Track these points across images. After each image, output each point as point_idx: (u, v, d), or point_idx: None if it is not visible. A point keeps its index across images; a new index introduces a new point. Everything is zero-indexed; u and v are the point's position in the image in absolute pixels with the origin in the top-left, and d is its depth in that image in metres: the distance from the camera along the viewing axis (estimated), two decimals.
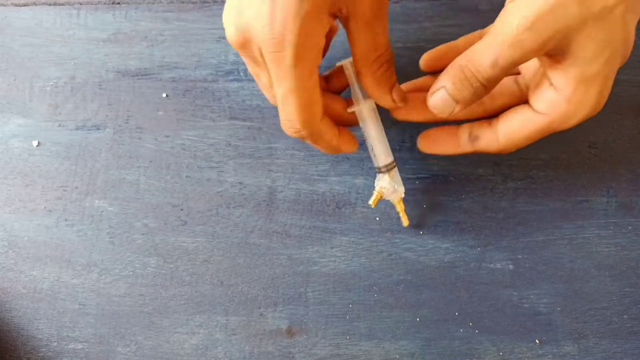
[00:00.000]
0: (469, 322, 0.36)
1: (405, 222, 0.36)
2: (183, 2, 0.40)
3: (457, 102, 0.29)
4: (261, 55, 0.28)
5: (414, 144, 0.35)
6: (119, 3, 0.40)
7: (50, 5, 0.40)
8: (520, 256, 0.36)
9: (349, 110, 0.33)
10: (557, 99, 0.29)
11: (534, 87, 0.31)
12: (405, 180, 0.36)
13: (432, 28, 0.39)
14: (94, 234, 0.37)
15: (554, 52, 0.27)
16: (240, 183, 0.38)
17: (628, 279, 0.36)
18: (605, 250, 0.36)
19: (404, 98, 0.32)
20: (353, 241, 0.37)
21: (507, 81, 0.34)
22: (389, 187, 0.34)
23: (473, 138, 0.32)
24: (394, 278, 0.36)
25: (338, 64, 0.33)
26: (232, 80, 0.39)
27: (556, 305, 0.36)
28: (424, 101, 0.31)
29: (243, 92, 0.39)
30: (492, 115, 0.33)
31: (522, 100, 0.32)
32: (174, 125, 0.39)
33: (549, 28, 0.26)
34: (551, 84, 0.29)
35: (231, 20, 0.28)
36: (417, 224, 0.37)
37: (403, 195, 0.35)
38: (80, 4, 0.40)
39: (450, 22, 0.39)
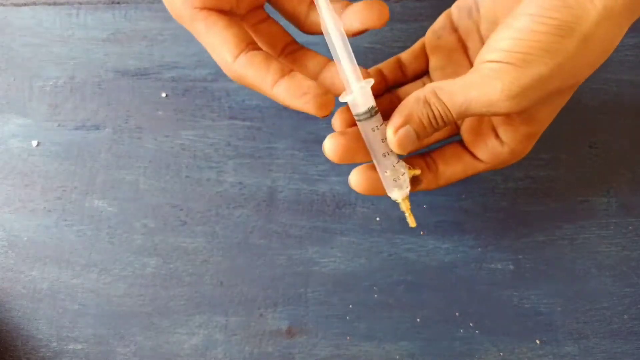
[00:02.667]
0: (469, 323, 0.36)
1: (412, 222, 0.32)
2: None
3: (418, 137, 0.28)
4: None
5: None
6: (118, 3, 0.40)
7: (50, 5, 0.40)
8: (520, 256, 0.36)
9: (342, 99, 0.29)
10: (500, 151, 0.30)
11: (473, 133, 0.31)
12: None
13: None
14: (94, 234, 0.37)
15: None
16: (240, 183, 0.38)
17: (628, 279, 0.36)
18: (605, 251, 0.36)
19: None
20: (353, 241, 0.37)
21: None
22: (403, 182, 0.31)
23: (415, 182, 0.32)
24: (394, 278, 0.36)
25: None
26: (231, 80, 0.39)
27: (557, 306, 0.36)
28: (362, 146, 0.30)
29: (243, 91, 0.39)
30: (424, 148, 0.33)
31: (453, 133, 0.33)
32: (174, 125, 0.39)
33: (528, 100, 0.26)
34: (497, 137, 0.30)
35: None
36: (417, 224, 0.37)
37: (408, 192, 0.32)
38: (80, 3, 0.40)
39: None
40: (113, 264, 0.37)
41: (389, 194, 0.31)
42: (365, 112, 0.29)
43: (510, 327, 0.35)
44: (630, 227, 0.37)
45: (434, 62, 0.33)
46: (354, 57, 0.28)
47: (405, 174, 0.30)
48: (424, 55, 0.33)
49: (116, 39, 0.40)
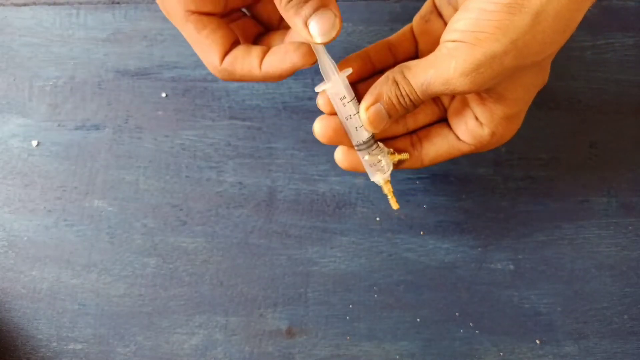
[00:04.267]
0: (469, 323, 0.36)
1: (394, 205, 0.33)
2: None
3: (390, 116, 0.29)
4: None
5: None
6: (118, 3, 0.40)
7: (49, 5, 0.40)
8: (520, 256, 0.36)
9: (317, 89, 0.31)
10: (480, 133, 0.31)
11: (456, 114, 0.32)
12: (405, 181, 0.36)
13: None
14: (94, 234, 0.37)
15: (483, 92, 0.29)
16: (240, 183, 0.38)
17: (628, 279, 0.36)
18: (605, 251, 0.36)
19: (326, 30, 0.27)
20: (353, 241, 0.37)
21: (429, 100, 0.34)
22: (385, 164, 0.32)
23: (399, 162, 0.33)
24: (394, 278, 0.36)
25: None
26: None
27: (557, 306, 0.36)
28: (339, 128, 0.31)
29: (243, 91, 0.39)
30: (412, 131, 0.33)
31: (440, 116, 0.33)
32: (174, 125, 0.39)
33: (483, 77, 0.26)
34: (476, 118, 0.31)
35: None
36: (417, 224, 0.37)
37: (389, 176, 0.32)
38: (80, 3, 0.40)
39: None
40: (113, 264, 0.37)
41: (371, 178, 0.32)
42: (339, 100, 0.30)
43: (510, 327, 0.35)
44: (630, 227, 0.37)
45: (422, 46, 0.33)
46: (326, 52, 0.29)
47: (382, 160, 0.31)
48: (412, 38, 0.34)
49: (116, 39, 0.40)
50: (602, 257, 0.36)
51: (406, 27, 0.34)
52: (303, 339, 0.36)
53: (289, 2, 0.27)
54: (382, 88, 0.29)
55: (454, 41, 0.27)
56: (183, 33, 0.30)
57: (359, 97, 0.31)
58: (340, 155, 0.33)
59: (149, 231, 0.37)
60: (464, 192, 0.37)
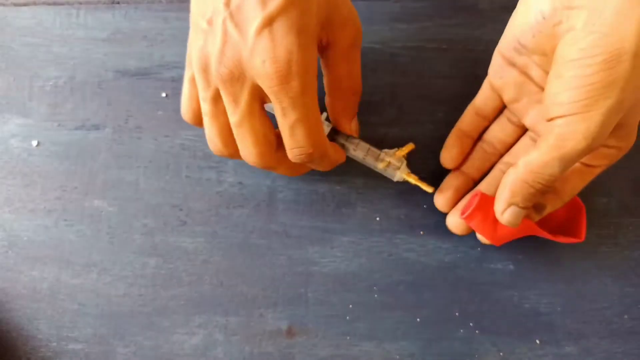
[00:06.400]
0: (469, 323, 0.36)
1: (428, 188, 0.35)
2: (183, 2, 0.40)
3: (525, 209, 0.30)
4: (245, 91, 0.28)
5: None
6: (118, 3, 0.40)
7: (50, 5, 0.40)
8: (520, 256, 0.36)
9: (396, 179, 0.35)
10: (610, 153, 0.31)
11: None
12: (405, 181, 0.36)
13: (432, 28, 0.39)
14: (94, 234, 0.37)
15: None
16: (240, 183, 0.38)
17: (628, 279, 0.36)
18: (605, 251, 0.36)
19: (357, 129, 0.35)
20: (353, 241, 0.37)
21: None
22: (395, 162, 0.34)
23: (539, 208, 0.33)
24: (394, 278, 0.36)
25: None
26: None
27: (557, 306, 0.36)
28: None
29: None
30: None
31: (522, 132, 0.34)
32: (174, 125, 0.39)
33: (612, 125, 0.27)
34: (603, 145, 0.31)
35: (211, 55, 0.28)
36: (417, 224, 0.37)
37: (406, 168, 0.35)
38: (80, 3, 0.40)
39: (450, 21, 0.39)
40: (113, 263, 0.37)
41: (394, 179, 0.35)
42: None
43: (510, 327, 0.35)
44: (630, 227, 0.37)
45: (507, 97, 0.33)
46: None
47: (390, 161, 0.34)
48: (496, 95, 0.34)
49: (116, 39, 0.40)
50: (602, 257, 0.36)
51: (485, 85, 0.34)
52: (303, 339, 0.36)
53: (354, 100, 0.33)
54: (513, 190, 0.29)
55: (563, 116, 0.26)
56: (307, 109, 0.29)
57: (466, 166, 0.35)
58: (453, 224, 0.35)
59: (149, 231, 0.37)
60: None
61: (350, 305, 0.36)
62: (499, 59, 0.33)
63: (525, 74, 0.32)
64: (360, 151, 0.34)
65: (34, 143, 0.39)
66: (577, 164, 0.32)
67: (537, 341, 0.35)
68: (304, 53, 0.27)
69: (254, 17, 0.27)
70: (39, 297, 0.37)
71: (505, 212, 0.30)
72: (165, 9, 0.40)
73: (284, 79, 0.27)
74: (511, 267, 0.36)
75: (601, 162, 0.31)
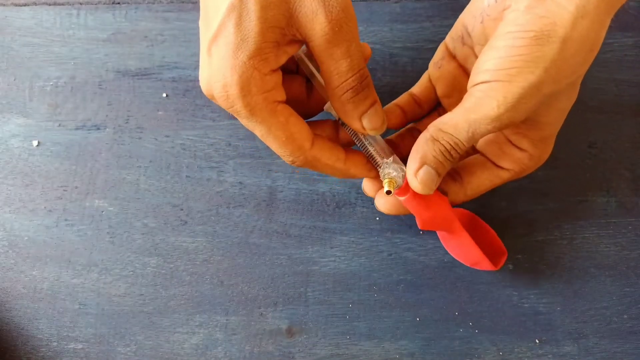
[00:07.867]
0: (469, 322, 0.36)
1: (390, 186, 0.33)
2: (183, 2, 0.40)
3: (439, 175, 0.30)
4: (242, 111, 0.28)
5: None
6: (119, 3, 0.40)
7: (50, 5, 0.40)
8: (520, 256, 0.36)
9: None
10: (520, 157, 0.31)
11: (490, 144, 0.33)
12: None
13: (432, 28, 0.39)
14: (94, 233, 0.37)
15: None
16: (240, 183, 0.38)
17: (628, 278, 0.36)
18: (605, 250, 0.36)
19: (378, 126, 0.31)
20: (353, 241, 0.37)
21: None
22: (397, 173, 0.32)
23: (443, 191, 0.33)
24: (394, 278, 0.36)
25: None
26: None
27: (556, 305, 0.36)
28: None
29: None
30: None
31: (474, 150, 0.34)
32: (174, 125, 0.39)
33: (527, 107, 0.27)
34: (512, 143, 0.31)
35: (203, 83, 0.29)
36: (417, 224, 0.37)
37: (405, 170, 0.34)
38: (80, 3, 0.40)
39: (450, 21, 0.39)
40: (113, 263, 0.37)
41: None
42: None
43: (509, 327, 0.35)
44: (629, 227, 0.37)
45: (440, 91, 0.34)
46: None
47: (391, 171, 0.32)
48: (432, 86, 0.34)
49: (116, 39, 0.40)
50: (601, 257, 0.36)
51: (424, 76, 0.35)
52: (303, 338, 0.36)
53: (350, 97, 0.29)
54: (424, 150, 0.29)
55: (486, 82, 0.27)
56: (266, 126, 0.28)
57: (399, 152, 0.33)
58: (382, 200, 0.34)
59: (150, 231, 0.37)
60: None
61: (350, 305, 0.36)
62: (443, 49, 0.33)
63: (462, 67, 0.33)
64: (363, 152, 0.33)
65: (35, 143, 0.39)
66: (485, 160, 0.32)
67: (537, 341, 0.35)
68: (242, 72, 0.26)
69: (203, 42, 0.27)
70: (39, 296, 0.37)
71: (418, 171, 0.29)
72: (165, 9, 0.40)
73: (228, 103, 0.27)
74: (511, 266, 0.36)
75: (511, 165, 0.32)
